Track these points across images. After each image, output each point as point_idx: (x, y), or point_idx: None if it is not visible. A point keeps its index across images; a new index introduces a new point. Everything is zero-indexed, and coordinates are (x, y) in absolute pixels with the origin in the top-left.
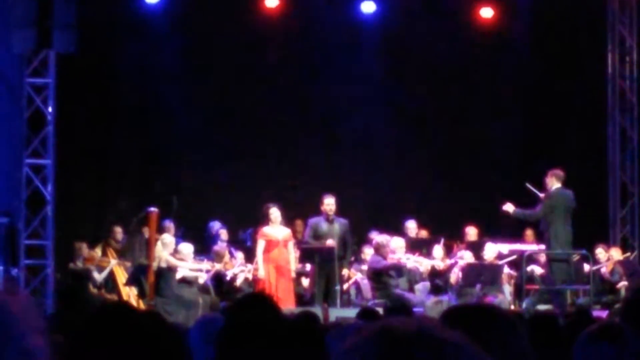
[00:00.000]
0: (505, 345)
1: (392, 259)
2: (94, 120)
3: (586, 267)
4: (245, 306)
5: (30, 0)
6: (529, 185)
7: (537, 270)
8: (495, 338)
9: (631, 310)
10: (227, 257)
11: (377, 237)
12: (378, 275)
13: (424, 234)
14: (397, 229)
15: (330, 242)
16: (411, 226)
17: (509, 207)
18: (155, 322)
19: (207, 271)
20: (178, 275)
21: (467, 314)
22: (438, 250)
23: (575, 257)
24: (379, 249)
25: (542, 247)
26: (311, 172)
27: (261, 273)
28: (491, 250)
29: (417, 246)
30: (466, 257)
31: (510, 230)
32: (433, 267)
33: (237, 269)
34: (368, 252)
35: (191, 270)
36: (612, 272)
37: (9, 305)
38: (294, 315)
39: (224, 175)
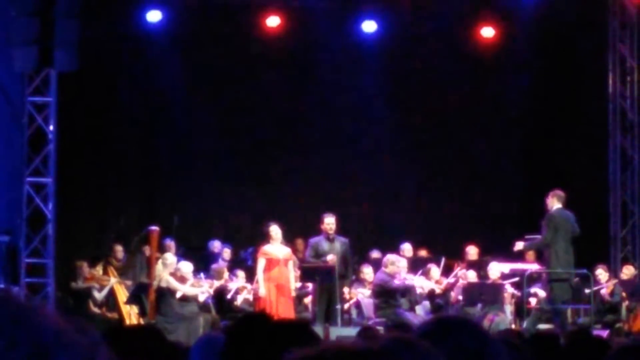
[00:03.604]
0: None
1: (399, 278)
2: (95, 139)
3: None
4: (246, 325)
5: (32, 19)
6: (527, 237)
7: (540, 292)
8: (471, 350)
9: None
10: (226, 275)
11: (388, 255)
12: (385, 294)
13: (423, 253)
14: (396, 249)
15: (331, 258)
16: (407, 248)
17: (519, 245)
18: (154, 339)
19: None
20: (178, 294)
21: (441, 326)
22: (435, 271)
23: (576, 279)
24: (388, 267)
25: (543, 266)
26: (312, 191)
27: (262, 291)
28: (496, 269)
29: (417, 266)
30: (470, 276)
31: (511, 249)
32: (432, 289)
33: (239, 284)
34: (367, 272)
35: (191, 288)
36: (612, 293)
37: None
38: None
39: (225, 194)
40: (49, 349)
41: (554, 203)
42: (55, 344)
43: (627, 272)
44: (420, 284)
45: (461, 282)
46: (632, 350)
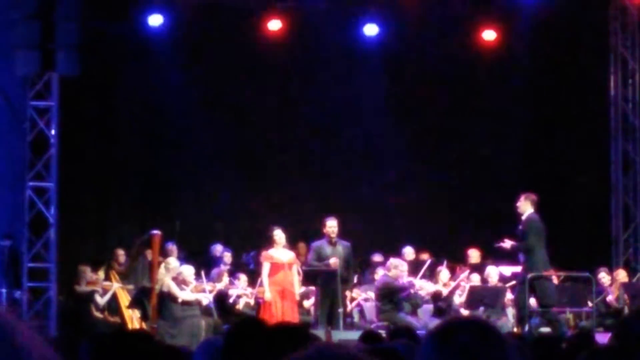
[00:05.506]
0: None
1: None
2: (97, 143)
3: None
4: (243, 330)
5: (34, 22)
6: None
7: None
8: (486, 353)
9: (628, 331)
10: (225, 279)
11: (391, 259)
12: (389, 296)
13: (424, 256)
14: (398, 253)
15: (333, 262)
16: (408, 251)
17: (507, 244)
18: (151, 344)
19: (210, 292)
20: (179, 299)
21: (458, 329)
22: (444, 273)
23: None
24: (391, 271)
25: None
26: (314, 195)
27: (267, 295)
28: (495, 273)
29: (418, 269)
30: (473, 280)
31: (512, 252)
32: (438, 290)
33: (240, 291)
34: (380, 272)
35: (192, 294)
36: (617, 298)
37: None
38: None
39: (227, 198)
40: None
41: (527, 207)
42: None
43: (619, 277)
44: (423, 287)
45: (463, 285)
46: (602, 353)
